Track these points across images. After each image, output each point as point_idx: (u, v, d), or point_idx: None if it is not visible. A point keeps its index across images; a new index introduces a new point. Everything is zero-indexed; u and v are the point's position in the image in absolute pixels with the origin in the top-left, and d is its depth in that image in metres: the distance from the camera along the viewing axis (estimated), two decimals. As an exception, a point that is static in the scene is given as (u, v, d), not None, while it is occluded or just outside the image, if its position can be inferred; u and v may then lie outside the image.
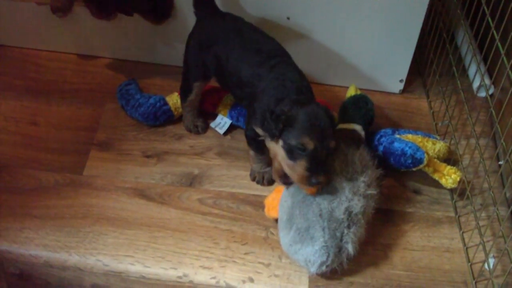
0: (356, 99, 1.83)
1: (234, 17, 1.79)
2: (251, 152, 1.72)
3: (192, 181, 1.78)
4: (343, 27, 1.92)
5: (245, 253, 1.62)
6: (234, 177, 1.79)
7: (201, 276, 1.57)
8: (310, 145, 1.46)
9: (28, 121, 1.91)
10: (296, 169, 1.49)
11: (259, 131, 1.57)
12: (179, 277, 1.57)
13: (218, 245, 1.63)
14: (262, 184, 1.76)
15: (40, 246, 1.60)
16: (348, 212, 1.52)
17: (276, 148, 1.52)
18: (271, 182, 1.76)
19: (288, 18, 1.92)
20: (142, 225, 1.66)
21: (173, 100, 1.89)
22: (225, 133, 1.89)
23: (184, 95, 1.84)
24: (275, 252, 1.62)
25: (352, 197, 1.54)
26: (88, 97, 1.99)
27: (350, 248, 1.52)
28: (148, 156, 1.83)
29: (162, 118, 1.90)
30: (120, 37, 2.05)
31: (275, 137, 1.51)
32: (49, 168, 1.79)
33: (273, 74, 1.60)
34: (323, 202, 1.53)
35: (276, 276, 1.57)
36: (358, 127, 1.74)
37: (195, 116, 1.89)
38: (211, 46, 1.72)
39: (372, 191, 1.59)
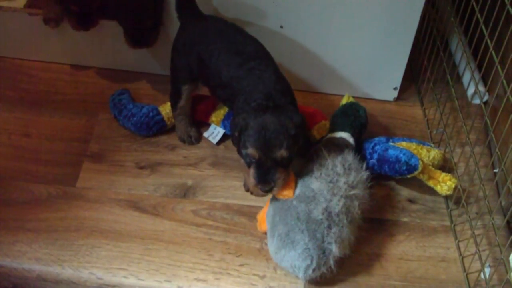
0: (345, 108, 1.83)
1: (216, 18, 1.80)
2: (242, 161, 1.71)
3: (186, 192, 1.77)
4: (336, 36, 1.91)
5: (240, 265, 1.61)
6: (228, 188, 1.77)
7: (196, 289, 1.56)
8: (255, 155, 1.49)
9: (21, 132, 1.90)
10: (249, 175, 1.53)
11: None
12: (174, 290, 1.56)
13: (212, 257, 1.62)
14: (257, 195, 1.74)
15: (33, 260, 1.59)
16: (327, 213, 1.51)
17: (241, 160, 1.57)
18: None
19: (282, 27, 1.91)
20: (135, 237, 1.65)
21: (166, 110, 1.88)
22: (218, 143, 1.88)
23: (174, 102, 1.83)
24: (270, 264, 1.61)
25: (331, 198, 1.53)
26: (80, 107, 1.98)
27: (334, 248, 1.50)
28: (141, 167, 1.82)
29: (155, 128, 1.89)
30: (113, 47, 2.04)
31: (235, 144, 1.55)
32: (42, 180, 1.77)
33: (250, 77, 1.60)
34: (300, 205, 1.53)
35: (271, 287, 1.57)
36: (345, 135, 1.73)
37: (188, 125, 1.88)
38: (194, 46, 1.72)
39: (356, 192, 1.58)
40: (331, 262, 1.51)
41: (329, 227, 1.51)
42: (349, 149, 1.67)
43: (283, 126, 1.50)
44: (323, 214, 1.51)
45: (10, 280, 1.59)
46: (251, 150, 1.49)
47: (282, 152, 1.49)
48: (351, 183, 1.57)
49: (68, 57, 2.10)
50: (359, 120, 1.80)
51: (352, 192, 1.57)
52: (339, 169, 1.59)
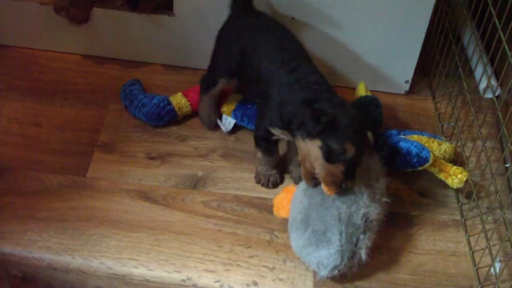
0: (367, 102, 1.82)
1: (267, 16, 1.81)
2: (259, 154, 1.70)
3: (196, 183, 1.76)
4: (348, 28, 1.90)
5: (249, 257, 1.61)
6: (239, 179, 1.77)
7: (205, 280, 1.56)
8: (352, 151, 1.44)
9: (31, 122, 1.90)
10: (332, 171, 1.46)
11: (276, 131, 1.57)
12: (183, 280, 1.56)
13: (222, 248, 1.62)
14: (267, 186, 1.75)
15: (43, 249, 1.59)
16: (365, 218, 1.51)
17: (311, 148, 1.47)
18: (276, 185, 1.75)
19: (293, 19, 1.91)
20: (145, 227, 1.65)
21: (177, 100, 1.88)
22: (229, 134, 1.88)
23: (206, 88, 1.84)
24: (280, 256, 1.60)
25: (369, 204, 1.52)
26: (91, 98, 1.98)
27: (363, 253, 1.51)
28: (152, 158, 1.82)
29: (165, 118, 1.89)
30: (124, 38, 2.04)
31: (311, 136, 1.46)
32: (52, 170, 1.77)
33: (293, 76, 1.57)
34: (342, 206, 1.51)
35: (280, 280, 1.56)
36: (369, 133, 1.72)
37: (213, 109, 1.89)
38: (240, 39, 1.72)
39: (386, 199, 1.58)
40: (356, 265, 1.52)
41: (364, 232, 1.51)
42: (375, 152, 1.68)
43: (367, 122, 1.51)
44: (362, 219, 1.51)
45: (20, 269, 1.59)
46: (349, 146, 1.43)
47: (367, 149, 1.50)
48: (382, 189, 1.58)
49: (79, 47, 2.10)
50: (379, 117, 1.80)
51: (384, 199, 1.57)
52: (373, 173, 1.58)
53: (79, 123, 1.90)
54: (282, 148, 1.76)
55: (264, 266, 1.59)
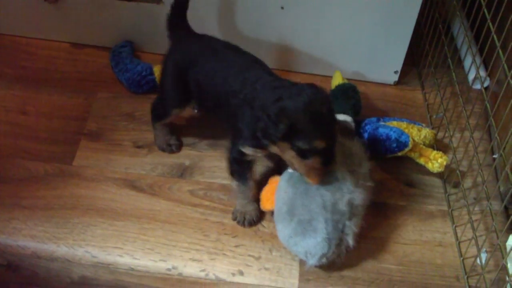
0: (345, 89, 1.82)
1: (209, 37, 1.72)
2: (234, 183, 1.64)
3: (183, 172, 1.76)
4: (337, 17, 1.89)
5: (235, 246, 1.60)
6: (225, 169, 1.76)
7: (191, 269, 1.56)
8: (322, 144, 1.40)
9: (18, 110, 1.89)
10: (311, 165, 1.44)
11: (248, 150, 1.51)
12: (168, 269, 1.56)
13: (208, 238, 1.62)
14: (243, 225, 1.66)
15: (28, 237, 1.59)
16: (351, 204, 1.51)
17: (285, 150, 1.44)
18: (252, 224, 1.66)
19: (282, 8, 1.89)
20: (131, 216, 1.65)
21: (160, 71, 1.84)
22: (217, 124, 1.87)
23: (157, 118, 1.78)
24: (266, 245, 1.60)
25: (354, 189, 1.52)
26: (79, 86, 1.97)
27: (350, 240, 1.51)
28: (139, 147, 1.81)
29: (145, 87, 1.93)
30: (113, 26, 2.03)
31: (275, 142, 1.43)
32: (39, 158, 1.77)
33: (248, 87, 1.51)
34: (327, 194, 1.51)
35: (266, 269, 1.56)
36: (349, 119, 1.72)
37: (167, 134, 1.82)
38: (189, 67, 1.65)
39: (370, 183, 1.58)
40: (343, 251, 1.52)
41: (350, 218, 1.51)
42: (357, 137, 1.67)
43: (330, 102, 1.43)
44: (347, 205, 1.50)
45: (5, 257, 1.58)
46: (318, 142, 1.39)
47: (336, 130, 1.44)
48: (364, 175, 1.57)
49: (67, 35, 2.09)
50: (358, 104, 1.79)
51: (368, 183, 1.57)
52: (356, 159, 1.58)
53: (67, 111, 1.90)
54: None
55: (250, 255, 1.59)
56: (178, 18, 1.75)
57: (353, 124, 1.72)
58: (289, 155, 1.44)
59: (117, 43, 2.05)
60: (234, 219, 1.67)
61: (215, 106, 1.63)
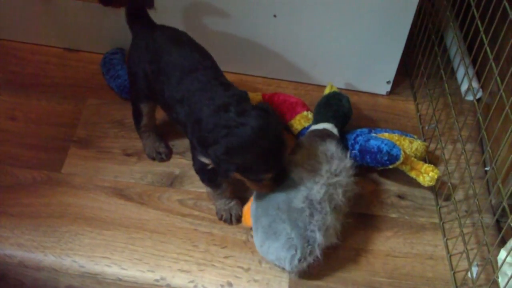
0: (328, 98, 1.80)
1: (161, 32, 1.65)
2: (207, 189, 1.64)
3: (172, 181, 1.74)
4: (330, 27, 1.88)
5: (225, 257, 1.59)
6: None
7: (179, 280, 1.54)
8: (269, 175, 1.46)
9: (7, 115, 1.87)
10: (262, 186, 1.50)
11: (206, 160, 1.47)
12: (156, 280, 1.54)
13: (197, 248, 1.60)
14: (230, 222, 1.65)
15: (15, 246, 1.57)
16: (309, 201, 1.49)
17: (237, 175, 1.47)
18: (239, 219, 1.66)
19: (275, 16, 1.88)
20: (120, 225, 1.63)
21: None
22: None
23: (136, 121, 1.75)
24: (255, 257, 1.59)
25: (312, 186, 1.51)
26: (69, 92, 1.95)
27: (318, 236, 1.48)
28: (128, 155, 1.80)
29: None
30: (105, 32, 2.01)
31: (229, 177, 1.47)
32: (27, 164, 1.75)
33: (189, 102, 1.50)
34: (281, 195, 1.51)
35: (255, 281, 1.55)
36: (328, 125, 1.71)
37: (156, 141, 1.79)
38: (140, 63, 1.63)
39: (338, 179, 1.55)
40: (317, 251, 1.49)
41: (311, 215, 1.49)
42: (331, 138, 1.65)
43: (273, 126, 1.43)
44: (304, 202, 1.49)
45: (-9, 266, 1.57)
46: (267, 175, 1.46)
47: (285, 150, 1.47)
48: (333, 171, 1.55)
49: (59, 40, 2.07)
50: (342, 110, 1.77)
51: (335, 179, 1.54)
52: (321, 158, 1.57)
53: (56, 118, 1.87)
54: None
55: (239, 266, 1.57)
56: (137, 12, 1.71)
57: (334, 130, 1.71)
58: (241, 178, 1.48)
59: (108, 50, 2.03)
60: (220, 218, 1.65)
61: (164, 106, 1.63)
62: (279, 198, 1.51)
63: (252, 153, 1.40)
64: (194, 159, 1.55)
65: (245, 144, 1.39)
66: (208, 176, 1.58)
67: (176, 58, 1.57)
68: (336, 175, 1.55)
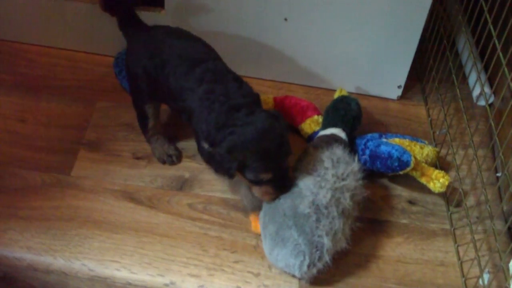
0: (336, 102, 1.80)
1: (158, 29, 1.70)
2: (225, 182, 1.69)
3: (182, 184, 1.74)
4: (341, 30, 1.88)
5: (234, 262, 1.58)
6: (225, 182, 1.74)
7: (189, 284, 1.53)
8: (269, 175, 1.47)
9: (16, 118, 1.86)
10: (264, 190, 1.51)
11: (205, 144, 1.53)
12: (166, 284, 1.53)
13: (207, 253, 1.59)
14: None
15: (24, 249, 1.56)
16: (315, 206, 1.49)
17: (239, 177, 1.51)
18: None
19: (286, 20, 1.88)
20: (129, 229, 1.62)
21: None
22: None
23: (142, 125, 1.76)
24: (265, 262, 1.58)
25: (318, 191, 1.51)
26: (78, 94, 1.95)
27: (326, 241, 1.47)
28: (138, 158, 1.79)
29: None
30: (114, 34, 2.00)
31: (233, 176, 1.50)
32: (36, 167, 1.74)
33: (202, 89, 1.53)
34: (287, 202, 1.52)
35: (265, 286, 1.54)
36: (336, 130, 1.71)
37: (165, 144, 1.79)
38: (140, 62, 1.64)
39: (345, 183, 1.55)
40: (326, 256, 1.48)
41: (318, 220, 1.48)
42: (338, 143, 1.65)
43: (278, 130, 1.47)
44: (310, 207, 1.49)
45: (0, 269, 1.56)
46: (264, 175, 1.47)
47: (288, 154, 1.49)
48: (340, 175, 1.55)
49: (68, 42, 2.07)
50: (351, 113, 1.77)
51: (342, 183, 1.54)
52: (327, 163, 1.57)
53: (65, 120, 1.87)
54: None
55: (249, 271, 1.56)
56: (128, 16, 1.75)
57: (342, 134, 1.71)
58: (244, 181, 1.52)
59: (118, 51, 2.03)
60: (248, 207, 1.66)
61: (167, 97, 1.64)
62: (285, 204, 1.51)
63: (251, 151, 1.44)
64: (200, 148, 1.59)
65: (245, 141, 1.44)
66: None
67: (181, 49, 1.62)
68: (343, 179, 1.55)
